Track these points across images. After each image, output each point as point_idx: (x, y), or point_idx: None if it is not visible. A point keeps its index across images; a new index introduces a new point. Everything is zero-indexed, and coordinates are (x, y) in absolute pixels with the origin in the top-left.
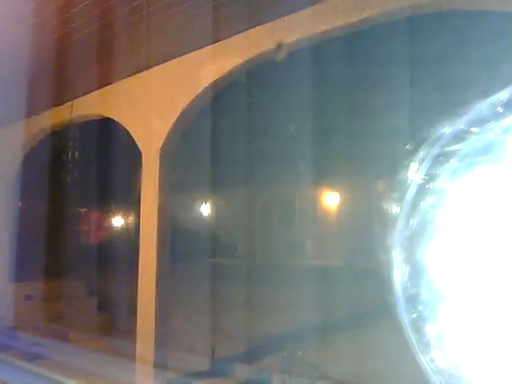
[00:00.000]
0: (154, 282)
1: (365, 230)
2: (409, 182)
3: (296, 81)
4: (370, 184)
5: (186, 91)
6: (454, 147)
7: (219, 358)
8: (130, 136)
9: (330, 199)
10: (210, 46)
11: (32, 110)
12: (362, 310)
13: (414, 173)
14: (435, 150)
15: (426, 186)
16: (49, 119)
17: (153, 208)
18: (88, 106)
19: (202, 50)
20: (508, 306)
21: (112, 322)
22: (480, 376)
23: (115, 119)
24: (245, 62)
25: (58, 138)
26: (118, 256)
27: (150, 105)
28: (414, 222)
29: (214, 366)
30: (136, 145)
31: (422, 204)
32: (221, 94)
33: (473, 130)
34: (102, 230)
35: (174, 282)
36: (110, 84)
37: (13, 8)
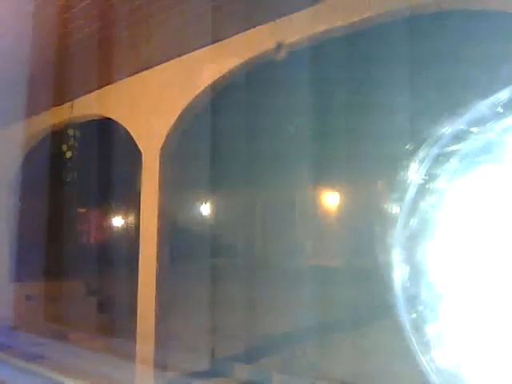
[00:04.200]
0: (154, 282)
1: (365, 230)
2: (409, 181)
3: (296, 81)
4: (371, 184)
5: (185, 91)
6: (453, 147)
7: (219, 358)
8: (130, 136)
9: (331, 199)
10: (210, 46)
11: (32, 110)
12: (361, 310)
13: (414, 173)
14: (435, 150)
15: (426, 186)
16: (49, 119)
17: (153, 208)
18: (88, 105)
19: (202, 49)
20: (508, 306)
21: (112, 321)
22: (480, 376)
23: (115, 119)
24: (245, 61)
25: (59, 138)
26: (118, 256)
27: (149, 105)
28: (414, 221)
29: (214, 366)
30: (136, 145)
31: (422, 204)
32: (221, 94)
33: (473, 129)
34: (101, 229)
35: (174, 282)
36: (110, 84)
37: (13, 8)
